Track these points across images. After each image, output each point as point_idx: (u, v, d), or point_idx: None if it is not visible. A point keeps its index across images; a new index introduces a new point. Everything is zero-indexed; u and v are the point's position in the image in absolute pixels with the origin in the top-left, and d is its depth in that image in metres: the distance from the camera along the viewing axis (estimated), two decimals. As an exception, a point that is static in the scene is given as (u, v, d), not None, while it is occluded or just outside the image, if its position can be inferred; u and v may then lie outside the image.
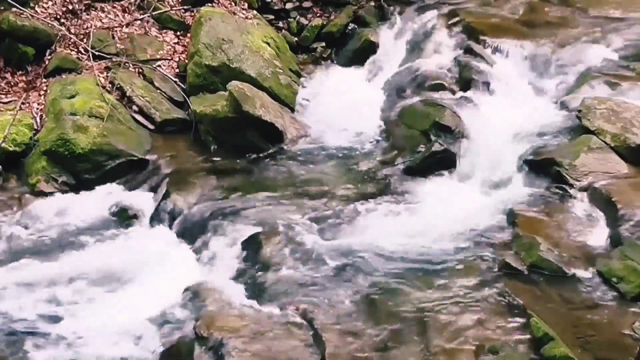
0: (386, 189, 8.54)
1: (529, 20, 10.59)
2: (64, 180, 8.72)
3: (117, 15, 10.49)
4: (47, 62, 9.78)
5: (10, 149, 8.87)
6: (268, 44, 10.31)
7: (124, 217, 8.37)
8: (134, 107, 9.40)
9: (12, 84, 9.64)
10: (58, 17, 10.08)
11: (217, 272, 7.53)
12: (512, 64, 9.76)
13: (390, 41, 10.81)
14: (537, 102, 9.24)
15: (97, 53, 9.76)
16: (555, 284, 6.98)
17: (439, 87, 9.55)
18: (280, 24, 11.20)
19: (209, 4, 10.75)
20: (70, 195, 8.60)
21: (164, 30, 10.54)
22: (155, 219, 8.36)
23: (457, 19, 10.55)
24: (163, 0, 10.73)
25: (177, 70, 10.07)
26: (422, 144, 8.89)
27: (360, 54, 10.80)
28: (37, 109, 9.31)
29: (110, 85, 9.50)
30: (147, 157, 8.99)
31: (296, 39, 11.17)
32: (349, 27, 11.18)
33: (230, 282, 7.35)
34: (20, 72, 9.74)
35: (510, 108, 9.04)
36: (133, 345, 6.77)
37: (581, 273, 7.07)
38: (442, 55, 10.16)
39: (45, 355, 6.65)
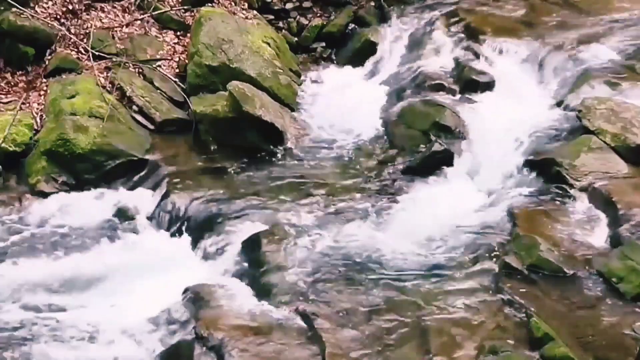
0: (386, 189, 8.53)
1: (529, 20, 10.58)
2: (64, 180, 8.71)
3: (117, 15, 10.47)
4: (47, 62, 9.76)
5: (10, 149, 8.85)
6: (268, 44, 10.29)
7: (123, 217, 8.37)
8: (134, 107, 9.39)
9: (12, 84, 9.62)
10: (58, 17, 10.06)
11: (217, 272, 7.54)
12: (512, 64, 9.76)
13: (390, 41, 10.79)
14: (537, 102, 9.23)
15: (97, 53, 9.74)
16: (555, 284, 6.98)
17: (439, 87, 9.54)
18: (280, 24, 11.17)
19: (209, 4, 10.73)
20: (70, 195, 8.59)
21: (164, 30, 10.52)
22: (155, 219, 8.36)
23: (457, 19, 10.55)
24: (163, 0, 10.73)
25: (177, 70, 10.05)
26: (422, 144, 8.89)
27: (360, 54, 10.78)
28: (37, 109, 9.30)
29: (110, 85, 9.49)
30: (147, 157, 8.98)
31: (296, 39, 11.14)
32: (349, 27, 11.15)
33: (231, 282, 7.35)
34: (20, 72, 9.71)
35: (510, 108, 9.03)
36: (133, 345, 6.77)
37: (581, 273, 7.07)
38: (442, 55, 10.15)
39: (45, 355, 6.65)
